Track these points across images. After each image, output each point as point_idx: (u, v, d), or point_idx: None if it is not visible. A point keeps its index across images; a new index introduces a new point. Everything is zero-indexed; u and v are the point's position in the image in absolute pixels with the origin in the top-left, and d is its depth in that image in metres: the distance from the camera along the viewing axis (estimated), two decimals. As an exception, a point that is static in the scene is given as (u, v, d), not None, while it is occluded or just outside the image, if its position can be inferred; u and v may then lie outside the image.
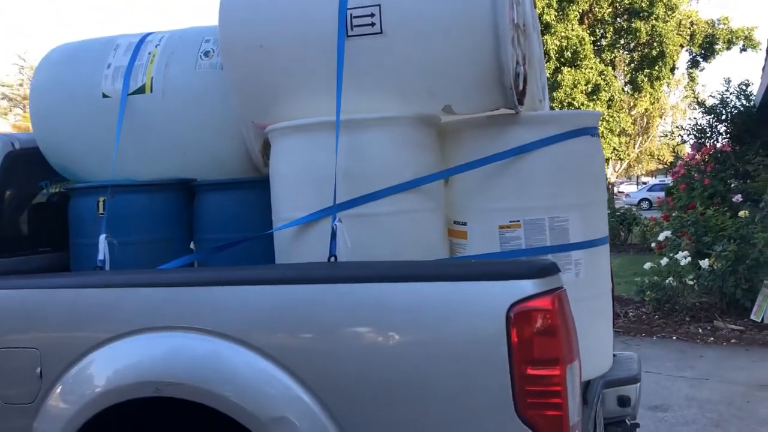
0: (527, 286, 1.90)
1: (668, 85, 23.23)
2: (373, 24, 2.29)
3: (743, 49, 20.14)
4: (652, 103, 22.29)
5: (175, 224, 2.87)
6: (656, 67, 19.72)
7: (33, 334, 2.43)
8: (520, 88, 2.48)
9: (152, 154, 2.81)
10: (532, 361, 1.88)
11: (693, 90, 18.99)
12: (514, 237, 2.48)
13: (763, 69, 13.24)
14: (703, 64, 21.01)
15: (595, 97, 18.29)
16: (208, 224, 2.82)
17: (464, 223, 2.58)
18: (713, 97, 12.27)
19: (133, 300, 2.31)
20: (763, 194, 8.31)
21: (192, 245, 2.91)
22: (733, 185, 10.39)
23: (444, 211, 2.58)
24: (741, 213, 7.06)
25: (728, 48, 20.23)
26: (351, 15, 2.31)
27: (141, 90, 2.73)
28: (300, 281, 2.09)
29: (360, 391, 2.01)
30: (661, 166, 29.98)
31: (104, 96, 2.78)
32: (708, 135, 11.95)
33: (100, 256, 2.61)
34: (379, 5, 2.28)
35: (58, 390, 2.38)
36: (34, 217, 3.04)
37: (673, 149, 13.05)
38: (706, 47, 20.41)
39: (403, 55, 2.31)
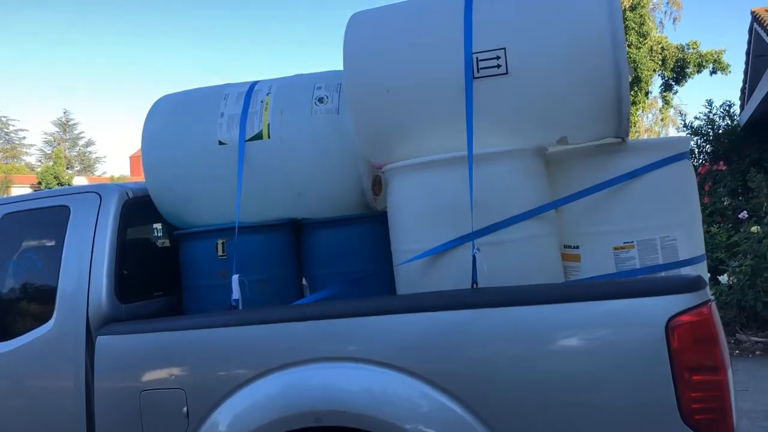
0: (683, 300, 2.06)
1: (642, 109, 23.90)
2: (498, 66, 2.47)
3: (713, 72, 20.86)
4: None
5: (288, 261, 2.99)
6: (632, 92, 20.33)
7: (180, 374, 2.52)
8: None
9: (267, 195, 2.93)
10: (695, 369, 2.03)
11: (679, 112, 19.52)
12: (629, 257, 2.65)
13: (742, 90, 13.80)
14: (675, 87, 21.72)
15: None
16: (322, 259, 2.94)
17: (576, 247, 2.74)
18: (698, 118, 12.76)
19: (286, 334, 2.42)
20: (760, 210, 8.66)
21: (304, 281, 3.02)
22: (726, 203, 10.78)
23: (557, 237, 2.74)
24: (753, 229, 7.33)
25: (699, 71, 20.95)
26: (477, 58, 2.48)
27: (258, 136, 2.86)
28: (467, 306, 2.23)
29: (526, 406, 2.14)
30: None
31: (220, 143, 2.90)
32: (696, 156, 12.40)
33: (235, 296, 2.70)
34: (505, 48, 2.46)
35: (209, 426, 2.46)
36: (148, 263, 3.13)
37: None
38: (678, 71, 21.11)
39: (527, 93, 2.49)
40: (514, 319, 2.18)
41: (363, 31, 2.69)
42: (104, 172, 51.06)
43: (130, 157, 48.50)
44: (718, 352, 2.06)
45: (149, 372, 2.59)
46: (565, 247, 2.77)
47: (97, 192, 2.92)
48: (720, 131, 12.21)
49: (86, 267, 2.78)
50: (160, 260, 3.18)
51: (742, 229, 7.82)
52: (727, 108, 12.62)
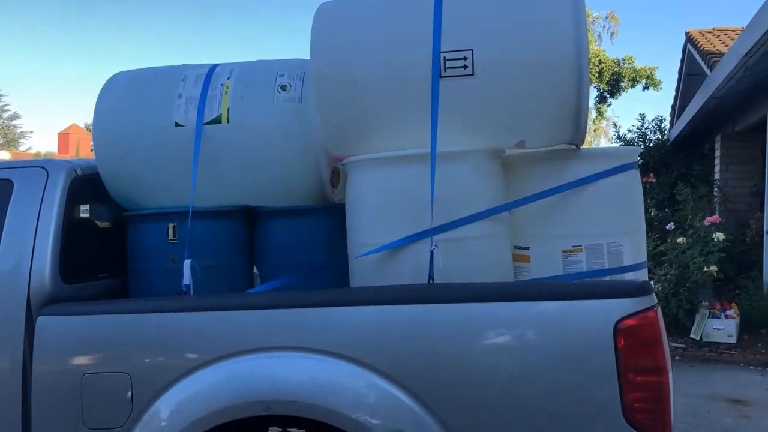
0: (631, 304, 2.15)
1: (577, 118, 24.53)
2: (465, 66, 2.51)
3: (645, 87, 21.65)
4: (563, 136, 23.44)
5: (240, 249, 2.96)
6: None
7: (125, 358, 2.47)
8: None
9: (222, 181, 2.89)
10: (639, 370, 2.12)
11: (613, 123, 20.10)
12: (577, 261, 2.74)
13: (673, 106, 14.36)
14: (609, 99, 22.44)
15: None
16: (275, 248, 2.92)
17: (527, 248, 2.82)
18: (631, 131, 13.25)
19: (237, 322, 2.40)
20: (685, 222, 9.07)
21: (255, 270, 3.00)
22: (653, 213, 11.23)
23: (510, 237, 2.80)
24: (679, 240, 7.67)
25: (632, 86, 21.69)
26: (444, 58, 2.52)
27: (217, 120, 2.82)
28: (418, 301, 2.27)
29: (472, 401, 2.19)
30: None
31: (177, 125, 2.85)
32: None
33: (185, 281, 2.66)
34: (472, 50, 2.50)
35: (154, 411, 2.42)
36: (95, 243, 3.04)
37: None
38: (613, 84, 21.80)
39: (490, 95, 2.54)
40: (467, 314, 2.22)
41: (331, 21, 2.69)
42: (29, 148, 48.81)
43: (58, 134, 46.69)
44: (661, 355, 2.16)
45: (92, 355, 2.52)
46: (516, 247, 2.84)
47: (44, 167, 2.81)
48: (651, 145, 12.72)
49: (29, 244, 2.68)
50: (107, 241, 3.09)
51: (668, 240, 8.16)
52: (658, 123, 13.18)
